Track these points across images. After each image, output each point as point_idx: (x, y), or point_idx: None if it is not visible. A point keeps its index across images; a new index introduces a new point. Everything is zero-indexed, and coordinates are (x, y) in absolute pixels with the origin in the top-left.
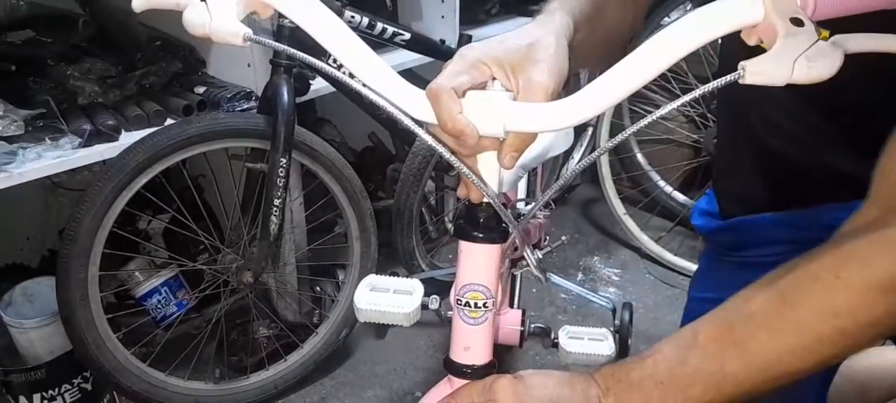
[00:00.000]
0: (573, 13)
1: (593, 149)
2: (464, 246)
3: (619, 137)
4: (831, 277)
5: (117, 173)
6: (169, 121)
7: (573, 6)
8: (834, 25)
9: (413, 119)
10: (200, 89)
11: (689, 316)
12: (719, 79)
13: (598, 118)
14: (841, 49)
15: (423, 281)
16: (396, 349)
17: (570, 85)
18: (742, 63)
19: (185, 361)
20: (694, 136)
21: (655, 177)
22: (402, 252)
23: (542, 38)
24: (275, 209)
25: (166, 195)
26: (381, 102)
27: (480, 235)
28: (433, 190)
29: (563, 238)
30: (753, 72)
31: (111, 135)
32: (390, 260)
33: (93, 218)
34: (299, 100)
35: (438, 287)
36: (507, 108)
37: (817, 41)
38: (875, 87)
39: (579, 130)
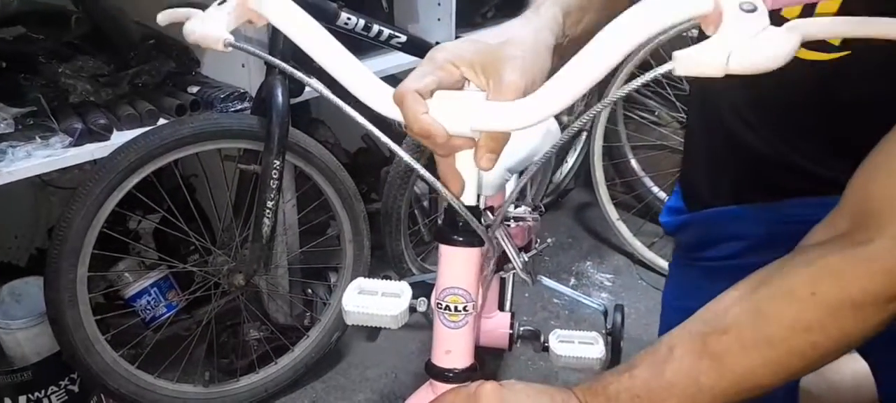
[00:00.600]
0: (563, 4)
1: (588, 155)
2: (443, 249)
3: (577, 124)
4: (807, 293)
5: (108, 173)
6: (161, 121)
7: None
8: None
9: (390, 134)
10: (194, 89)
11: (664, 320)
12: (652, 71)
13: (593, 122)
14: (797, 34)
15: (414, 284)
16: (388, 352)
17: None
18: (675, 52)
19: (174, 363)
20: None
21: (649, 182)
22: (391, 255)
23: (517, 35)
24: (267, 211)
25: (157, 195)
26: (360, 119)
27: (459, 239)
28: (426, 192)
29: (549, 240)
30: (685, 62)
31: (103, 135)
32: (383, 263)
33: (83, 218)
34: (294, 101)
35: (428, 290)
36: (474, 107)
37: (765, 28)
38: (840, 86)
39: (573, 135)
